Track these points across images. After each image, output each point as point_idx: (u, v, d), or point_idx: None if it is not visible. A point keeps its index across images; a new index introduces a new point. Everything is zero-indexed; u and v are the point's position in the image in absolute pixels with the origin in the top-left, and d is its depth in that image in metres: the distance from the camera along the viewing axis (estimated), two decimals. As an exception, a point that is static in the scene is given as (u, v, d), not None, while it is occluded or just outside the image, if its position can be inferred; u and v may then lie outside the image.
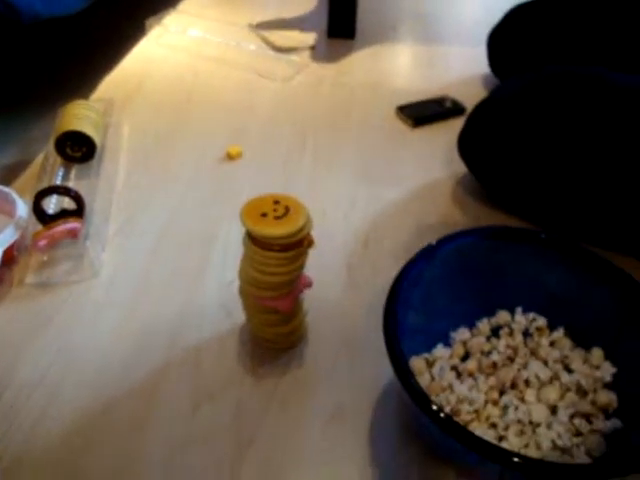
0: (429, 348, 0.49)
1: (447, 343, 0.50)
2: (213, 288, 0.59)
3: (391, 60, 1.06)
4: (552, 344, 0.50)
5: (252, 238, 0.44)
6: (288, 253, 0.44)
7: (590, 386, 0.46)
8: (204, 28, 1.13)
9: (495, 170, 0.67)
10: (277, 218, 0.43)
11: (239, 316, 0.54)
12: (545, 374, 0.47)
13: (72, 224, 0.60)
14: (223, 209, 0.69)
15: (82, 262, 0.60)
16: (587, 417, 0.44)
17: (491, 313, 0.52)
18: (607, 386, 0.46)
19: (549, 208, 0.65)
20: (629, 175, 0.59)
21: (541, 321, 0.50)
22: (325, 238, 0.64)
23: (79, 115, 0.75)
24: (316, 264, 0.54)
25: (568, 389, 0.46)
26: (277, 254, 0.44)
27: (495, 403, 0.45)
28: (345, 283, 0.60)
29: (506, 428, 0.44)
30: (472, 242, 0.51)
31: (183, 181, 0.74)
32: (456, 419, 0.44)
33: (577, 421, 0.44)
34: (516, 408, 0.45)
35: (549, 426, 0.44)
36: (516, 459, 0.35)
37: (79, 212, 0.62)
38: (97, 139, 0.74)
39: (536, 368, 0.47)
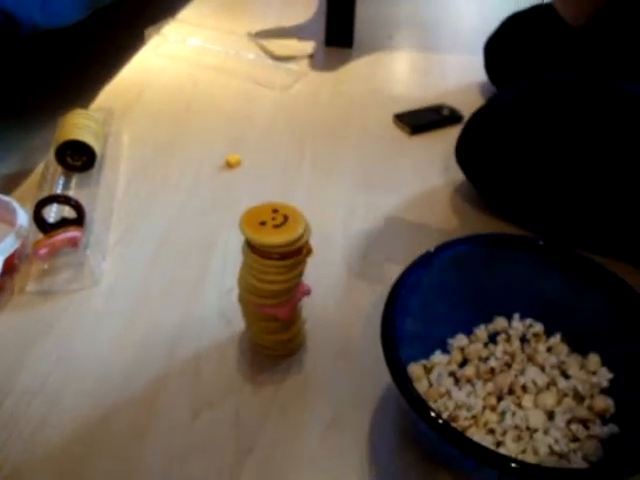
0: (427, 354, 0.49)
1: (445, 349, 0.51)
2: (212, 296, 0.59)
3: (389, 69, 1.07)
4: (549, 350, 0.50)
5: (251, 246, 0.45)
6: (287, 261, 0.44)
7: (587, 392, 0.46)
8: (203, 37, 1.14)
9: (492, 177, 0.68)
10: (276, 227, 0.44)
11: (238, 324, 0.54)
12: (542, 380, 0.47)
13: (72, 233, 0.61)
14: (222, 217, 0.70)
15: (82, 271, 0.61)
16: (584, 422, 0.45)
17: (488, 319, 0.52)
18: (604, 391, 0.46)
19: (546, 215, 0.66)
20: (624, 182, 0.59)
21: (538, 327, 0.51)
22: (324, 246, 0.64)
23: (79, 124, 0.75)
24: (315, 272, 0.55)
25: (565, 395, 0.47)
26: (276, 262, 0.44)
27: (493, 409, 0.46)
28: (344, 291, 0.61)
29: (504, 434, 0.44)
30: (469, 249, 0.51)
31: (183, 190, 0.74)
32: (454, 425, 0.44)
33: (574, 426, 0.44)
34: (514, 414, 0.45)
35: (546, 431, 0.44)
36: (513, 464, 0.35)
37: (79, 221, 0.63)
38: (97, 148, 0.74)
39: (533, 374, 0.47)
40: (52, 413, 0.48)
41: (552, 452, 0.43)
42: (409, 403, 0.38)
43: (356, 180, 0.77)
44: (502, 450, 0.43)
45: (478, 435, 0.44)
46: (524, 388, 0.47)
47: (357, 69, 1.06)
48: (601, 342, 0.48)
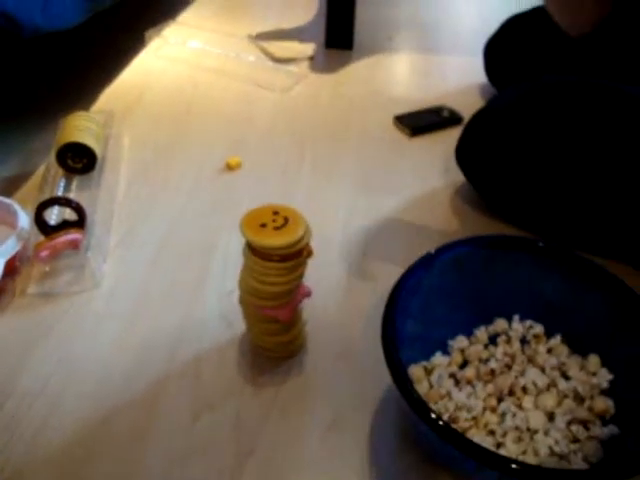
0: (427, 356, 0.49)
1: (445, 351, 0.51)
2: (213, 298, 0.60)
3: (389, 70, 1.07)
4: (549, 351, 0.50)
5: (252, 248, 0.45)
6: (287, 263, 0.45)
7: (587, 393, 0.46)
8: (203, 39, 1.14)
9: (492, 179, 0.68)
10: (276, 229, 0.44)
11: (239, 326, 0.54)
12: (542, 381, 0.47)
13: (73, 235, 0.61)
14: (223, 220, 0.70)
15: (83, 273, 0.61)
16: (584, 423, 0.45)
17: (489, 321, 0.52)
18: (604, 392, 0.46)
19: (546, 217, 0.66)
20: (624, 183, 0.59)
21: (538, 328, 0.51)
22: (324, 248, 0.64)
23: (80, 127, 0.76)
24: (315, 274, 0.55)
25: (565, 396, 0.47)
26: (277, 264, 0.44)
27: (493, 410, 0.46)
28: (344, 292, 0.61)
29: (504, 435, 0.44)
30: (470, 251, 0.51)
31: (183, 192, 0.74)
32: (454, 426, 0.44)
33: (574, 427, 0.44)
34: (514, 415, 0.45)
35: (547, 433, 0.44)
36: (514, 466, 0.35)
37: (80, 223, 0.63)
38: (98, 150, 0.75)
39: (533, 375, 0.48)
40: (53, 415, 0.49)
41: (552, 453, 0.43)
42: (409, 404, 0.38)
43: (356, 182, 0.77)
44: (502, 451, 0.43)
45: (478, 436, 0.44)
46: (524, 389, 0.47)
47: (357, 71, 1.06)
48: (601, 343, 0.48)
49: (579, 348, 0.50)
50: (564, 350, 0.50)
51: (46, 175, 0.73)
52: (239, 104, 0.95)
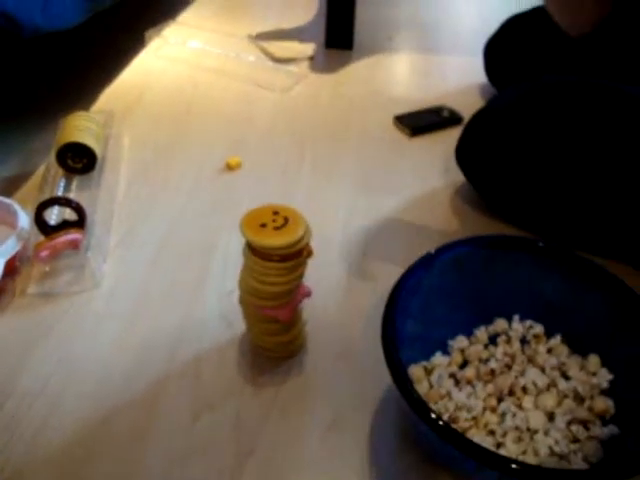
0: (427, 356, 0.49)
1: (445, 351, 0.51)
2: (213, 298, 0.60)
3: (389, 70, 1.08)
4: (549, 351, 0.50)
5: (252, 248, 0.45)
6: (287, 263, 0.45)
7: (587, 393, 0.46)
8: (203, 39, 1.14)
9: (492, 179, 0.68)
10: (276, 229, 0.44)
11: (239, 326, 0.54)
12: (542, 381, 0.47)
13: (73, 235, 0.61)
14: (223, 219, 0.70)
15: (83, 273, 0.61)
16: (584, 423, 0.45)
17: (489, 321, 0.52)
18: (604, 392, 0.46)
19: (546, 217, 0.66)
20: (624, 183, 0.59)
21: (538, 328, 0.51)
22: (324, 248, 0.64)
23: (80, 127, 0.76)
24: (315, 274, 0.55)
25: (565, 396, 0.47)
26: (277, 264, 0.44)
27: (493, 410, 0.46)
28: (344, 292, 0.61)
29: (504, 435, 0.44)
30: (470, 251, 0.51)
31: (183, 192, 0.74)
32: (454, 426, 0.44)
33: (574, 427, 0.44)
34: (514, 415, 0.45)
35: (547, 433, 0.44)
36: (514, 465, 0.35)
37: (80, 223, 0.63)
38: (98, 150, 0.75)
39: (533, 375, 0.48)
40: (53, 415, 0.49)
41: (552, 453, 0.43)
42: (410, 404, 0.38)
43: (356, 182, 0.77)
44: (502, 451, 0.43)
45: (478, 436, 0.44)
46: (524, 389, 0.47)
47: (357, 71, 1.06)
48: (601, 343, 0.48)
49: (579, 348, 0.50)
50: (564, 350, 0.50)
51: (46, 175, 0.74)
52: (239, 104, 0.95)
